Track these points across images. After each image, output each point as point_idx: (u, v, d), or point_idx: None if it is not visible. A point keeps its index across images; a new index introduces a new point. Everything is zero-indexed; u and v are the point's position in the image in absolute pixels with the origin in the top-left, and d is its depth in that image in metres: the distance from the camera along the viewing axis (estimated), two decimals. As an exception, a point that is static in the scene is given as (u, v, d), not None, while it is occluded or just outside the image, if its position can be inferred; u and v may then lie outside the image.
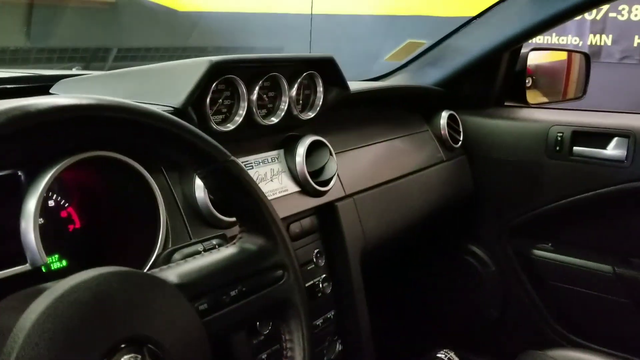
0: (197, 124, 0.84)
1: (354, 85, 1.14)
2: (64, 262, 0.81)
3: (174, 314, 0.54)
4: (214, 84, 0.84)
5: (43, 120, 0.47)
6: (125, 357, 0.48)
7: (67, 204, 0.84)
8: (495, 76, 1.59)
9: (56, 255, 0.80)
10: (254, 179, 0.95)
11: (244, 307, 0.62)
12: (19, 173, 0.71)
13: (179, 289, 0.56)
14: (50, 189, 0.81)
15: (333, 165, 1.07)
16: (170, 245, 0.80)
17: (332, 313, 1.11)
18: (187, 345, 0.54)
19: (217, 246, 0.78)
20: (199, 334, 0.56)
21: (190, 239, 0.83)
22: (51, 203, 0.82)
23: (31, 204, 0.68)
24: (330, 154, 1.08)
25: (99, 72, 0.97)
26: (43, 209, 0.80)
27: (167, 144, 0.57)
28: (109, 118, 0.52)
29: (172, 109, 0.80)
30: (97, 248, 0.84)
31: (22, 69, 1.06)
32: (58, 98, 0.49)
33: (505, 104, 1.66)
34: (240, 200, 0.64)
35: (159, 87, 0.84)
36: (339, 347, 1.12)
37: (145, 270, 0.65)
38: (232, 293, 0.61)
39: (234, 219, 0.87)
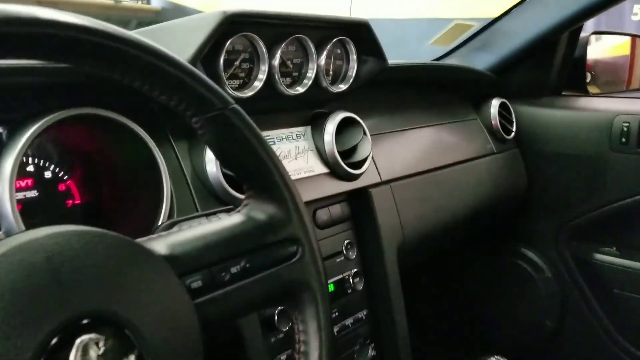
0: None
1: (394, 62, 1.02)
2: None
3: (156, 289, 0.42)
4: (229, 42, 0.74)
5: None
6: (84, 337, 0.37)
7: (66, 177, 0.76)
8: (552, 62, 1.44)
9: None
10: (276, 155, 0.84)
11: (247, 287, 0.50)
12: (1, 131, 0.62)
13: (167, 260, 0.45)
14: (47, 158, 0.73)
15: (367, 145, 0.96)
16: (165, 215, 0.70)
17: (365, 313, 0.98)
18: (171, 329, 0.42)
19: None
20: (188, 316, 0.44)
21: (198, 209, 0.72)
22: (48, 174, 0.73)
23: (7, 165, 0.59)
24: (364, 134, 0.96)
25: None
26: (39, 181, 0.72)
27: (151, 81, 0.46)
28: (76, 40, 0.41)
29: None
30: (96, 225, 0.75)
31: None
32: (17, 7, 0.38)
33: (563, 93, 1.50)
34: (245, 157, 0.52)
35: (169, 43, 0.75)
36: (371, 352, 0.99)
37: None
38: (233, 270, 0.50)
39: None
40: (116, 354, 0.38)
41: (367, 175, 0.98)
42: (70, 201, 0.77)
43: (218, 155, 0.54)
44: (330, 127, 0.92)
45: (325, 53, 0.87)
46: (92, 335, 0.37)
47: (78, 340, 0.37)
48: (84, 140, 0.76)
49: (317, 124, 0.93)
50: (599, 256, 1.36)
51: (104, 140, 0.74)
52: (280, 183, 0.53)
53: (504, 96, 1.40)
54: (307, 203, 0.89)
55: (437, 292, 1.62)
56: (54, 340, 0.36)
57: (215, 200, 0.76)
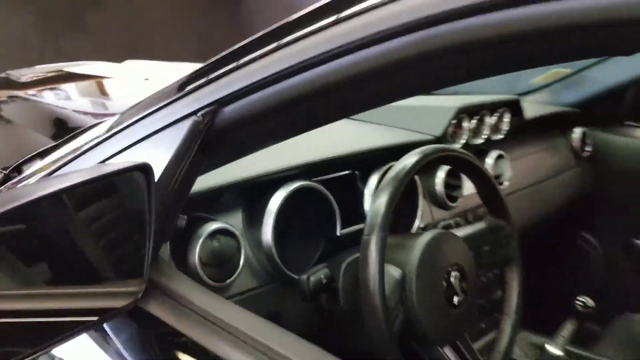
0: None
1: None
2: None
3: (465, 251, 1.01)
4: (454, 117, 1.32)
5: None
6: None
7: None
8: (622, 102, 1.98)
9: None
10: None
11: (488, 255, 1.09)
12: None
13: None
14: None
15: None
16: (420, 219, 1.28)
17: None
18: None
19: (453, 224, 1.26)
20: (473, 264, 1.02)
21: (432, 217, 1.31)
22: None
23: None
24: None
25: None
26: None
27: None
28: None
29: (432, 137, 1.28)
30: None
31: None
32: None
33: (625, 122, 2.04)
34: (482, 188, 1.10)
35: (420, 121, 1.33)
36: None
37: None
38: (485, 248, 1.08)
39: (456, 204, 1.35)
40: None
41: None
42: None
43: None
44: (490, 159, 1.50)
45: (495, 117, 1.45)
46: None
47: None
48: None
49: (482, 156, 1.51)
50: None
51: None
52: (504, 208, 1.11)
53: (585, 125, 1.95)
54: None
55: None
56: None
57: (438, 207, 1.34)
